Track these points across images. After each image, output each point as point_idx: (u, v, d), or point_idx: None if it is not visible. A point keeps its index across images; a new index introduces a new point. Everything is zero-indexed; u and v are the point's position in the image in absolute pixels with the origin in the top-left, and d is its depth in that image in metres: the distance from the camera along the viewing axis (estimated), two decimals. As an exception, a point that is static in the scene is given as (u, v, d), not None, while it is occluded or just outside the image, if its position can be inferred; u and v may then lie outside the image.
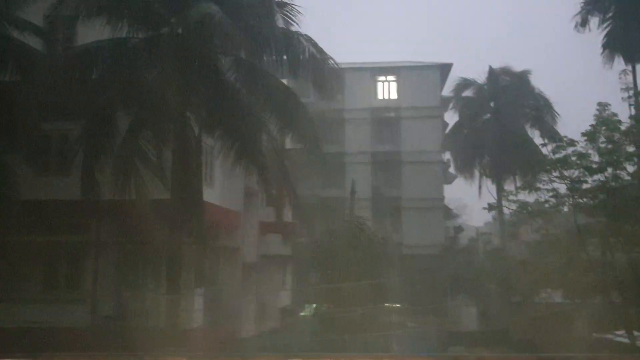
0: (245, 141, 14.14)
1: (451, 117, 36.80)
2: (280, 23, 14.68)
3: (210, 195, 17.39)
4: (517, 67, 34.17)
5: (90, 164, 13.96)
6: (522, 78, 33.58)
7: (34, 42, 15.16)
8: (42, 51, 14.96)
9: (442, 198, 37.90)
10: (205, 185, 16.15)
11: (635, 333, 15.57)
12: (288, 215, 19.56)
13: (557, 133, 25.39)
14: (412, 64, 38.84)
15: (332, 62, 14.67)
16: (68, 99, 13.14)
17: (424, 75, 38.16)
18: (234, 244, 21.12)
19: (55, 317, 15.42)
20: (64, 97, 13.04)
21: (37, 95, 13.08)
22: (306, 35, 14.70)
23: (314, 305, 18.47)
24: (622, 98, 16.70)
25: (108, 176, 13.95)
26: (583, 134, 16.13)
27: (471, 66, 61.95)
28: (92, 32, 14.14)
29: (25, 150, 14.41)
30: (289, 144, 17.31)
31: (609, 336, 17.22)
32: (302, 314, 22.54)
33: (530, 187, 18.29)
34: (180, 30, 13.92)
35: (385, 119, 38.17)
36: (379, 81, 39.36)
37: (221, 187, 19.40)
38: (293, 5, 14.69)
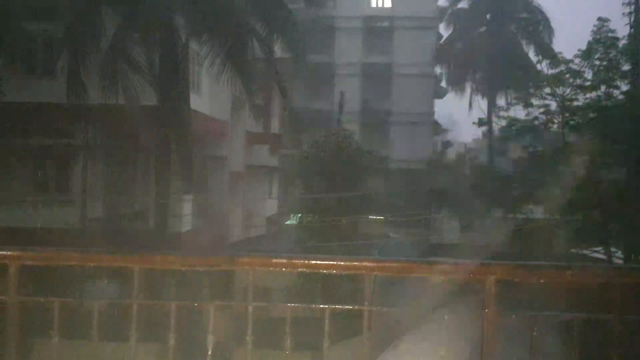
0: (232, 48, 13.91)
1: (445, 30, 36.07)
2: None
3: (198, 103, 17.27)
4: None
5: (76, 66, 13.75)
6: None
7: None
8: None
9: (432, 113, 37.79)
10: (192, 93, 16.02)
11: (612, 249, 16.13)
12: (275, 127, 19.61)
13: (552, 49, 25.06)
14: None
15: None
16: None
17: (419, -16, 36.86)
18: (221, 153, 21.25)
19: (45, 218, 15.71)
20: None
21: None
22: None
23: (299, 215, 18.88)
24: (623, 13, 16.32)
25: (95, 79, 13.78)
26: (578, 54, 15.93)
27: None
28: None
29: (9, 51, 14.10)
30: (276, 52, 17.03)
31: (586, 252, 17.86)
32: (287, 222, 23.09)
33: (521, 102, 18.28)
34: None
35: (377, 29, 37.13)
36: (373, -12, 38.05)
37: (209, 95, 19.23)
38: None
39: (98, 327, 2.72)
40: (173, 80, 14.25)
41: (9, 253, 2.59)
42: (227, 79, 14.63)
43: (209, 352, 2.59)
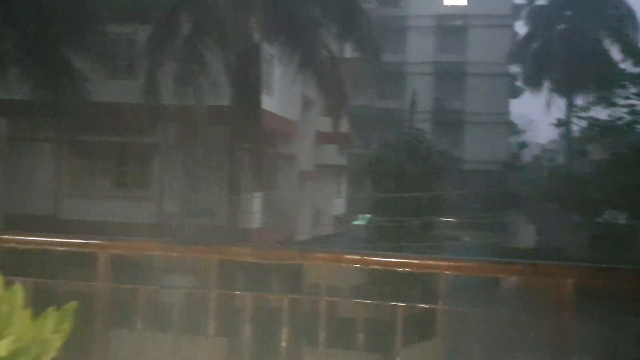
0: (306, 49, 14.06)
1: (522, 27, 34.98)
2: None
3: (268, 103, 17.57)
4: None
5: (154, 68, 14.33)
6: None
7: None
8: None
9: (507, 112, 36.75)
10: (264, 93, 16.31)
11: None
12: (344, 126, 19.59)
13: (638, 46, 23.77)
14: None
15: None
16: (136, 3, 13.38)
17: (495, -18, 35.96)
18: (290, 152, 21.50)
19: (125, 212, 16.44)
20: (133, 2, 13.28)
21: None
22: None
23: (368, 215, 18.78)
24: None
25: (173, 80, 14.31)
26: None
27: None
28: None
29: (95, 53, 14.83)
30: (348, 52, 17.04)
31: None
32: (355, 222, 23.05)
33: (604, 102, 17.48)
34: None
35: (451, 27, 36.47)
36: (447, -14, 37.42)
37: (279, 95, 19.51)
38: None
39: (176, 318, 2.84)
40: (245, 81, 14.56)
41: (98, 242, 2.73)
42: (298, 79, 14.80)
43: (282, 346, 2.62)
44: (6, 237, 2.83)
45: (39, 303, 1.82)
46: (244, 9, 13.89)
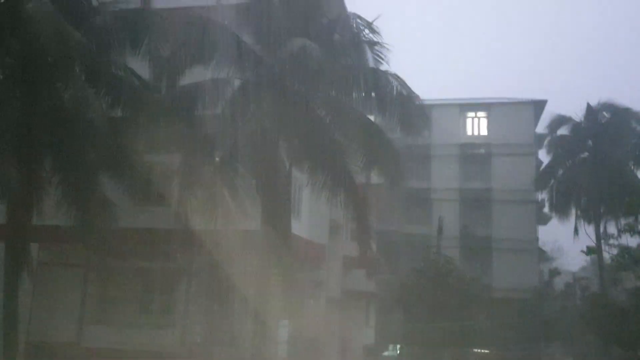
0: (335, 175, 14.33)
1: (545, 155, 35.50)
2: (370, 61, 14.93)
3: (297, 227, 17.65)
4: (619, 101, 32.61)
5: (184, 194, 14.64)
6: (624, 114, 31.91)
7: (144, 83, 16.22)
8: (150, 90, 15.98)
9: (536, 239, 36.26)
10: (292, 217, 16.42)
11: None
12: (373, 251, 19.39)
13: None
14: (504, 100, 37.95)
15: (419, 99, 14.74)
16: (170, 134, 13.98)
17: (516, 112, 37.15)
18: (318, 277, 21.19)
19: (146, 340, 16.03)
20: (167, 132, 13.88)
21: (143, 130, 14.00)
22: (394, 73, 14.87)
23: (399, 345, 18.00)
24: None
25: (200, 206, 14.54)
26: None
27: (569, 101, 59.00)
28: (195, 72, 15.01)
29: (128, 181, 15.27)
30: (374, 178, 17.32)
31: None
32: (385, 353, 22.06)
33: (633, 230, 17.19)
34: (275, 69, 14.44)
35: (474, 156, 37.30)
36: (469, 117, 38.69)
37: (308, 219, 19.64)
38: (383, 44, 14.91)
39: None
40: (275, 206, 14.72)
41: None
42: (326, 204, 14.92)
43: None
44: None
45: None
46: (274, 136, 14.39)
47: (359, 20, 14.97)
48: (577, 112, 33.56)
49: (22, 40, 13.09)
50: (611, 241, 18.50)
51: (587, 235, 31.34)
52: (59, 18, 12.06)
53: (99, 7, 14.66)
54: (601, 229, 31.04)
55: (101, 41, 13.96)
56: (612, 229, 28.91)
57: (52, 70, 13.30)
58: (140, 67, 15.09)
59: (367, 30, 14.91)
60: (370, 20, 14.89)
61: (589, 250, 25.89)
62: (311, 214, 19.50)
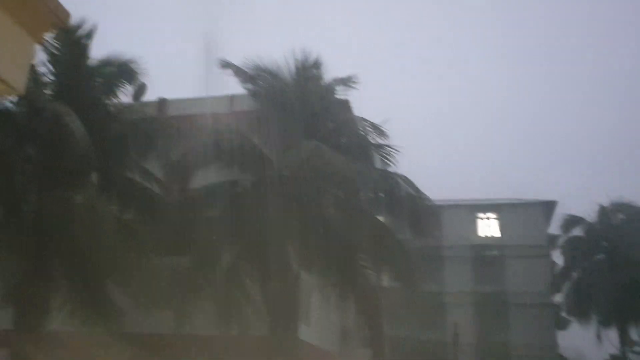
0: (345, 277, 14.09)
1: (559, 256, 34.87)
2: (378, 163, 15.15)
3: (306, 333, 17.09)
4: (629, 198, 32.41)
5: (191, 298, 14.36)
6: (638, 214, 31.64)
7: (155, 187, 16.46)
8: (161, 194, 16.20)
9: (556, 345, 34.69)
10: (301, 323, 15.97)
11: None
12: (385, 357, 18.60)
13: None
14: (513, 201, 37.82)
15: (429, 200, 14.76)
16: (181, 236, 13.97)
17: (526, 213, 36.86)
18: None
19: None
20: (178, 235, 13.88)
21: (155, 233, 14.04)
22: (403, 175, 15.03)
23: None
24: None
25: (206, 310, 14.20)
26: None
27: (577, 198, 58.34)
28: (205, 176, 15.25)
29: (135, 284, 15.07)
30: (385, 281, 16.97)
31: None
32: None
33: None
34: (285, 172, 14.65)
35: (487, 258, 36.58)
36: (480, 218, 38.46)
37: (317, 325, 19.06)
38: (390, 146, 15.20)
39: None
40: (283, 311, 14.37)
41: None
42: (337, 309, 14.55)
43: None
44: None
45: None
46: (284, 240, 14.31)
47: (365, 123, 15.35)
48: (586, 210, 33.32)
49: (42, 148, 13.51)
50: (635, 348, 17.64)
51: (610, 342, 30.09)
52: (80, 129, 12.30)
53: (117, 115, 15.20)
54: (626, 334, 29.85)
55: (117, 147, 14.38)
56: (634, 334, 27.80)
57: (67, 178, 13.58)
58: (155, 166, 15.39)
59: (374, 133, 15.25)
60: (376, 122, 15.26)
61: (613, 359, 24.77)
62: (321, 320, 18.96)
